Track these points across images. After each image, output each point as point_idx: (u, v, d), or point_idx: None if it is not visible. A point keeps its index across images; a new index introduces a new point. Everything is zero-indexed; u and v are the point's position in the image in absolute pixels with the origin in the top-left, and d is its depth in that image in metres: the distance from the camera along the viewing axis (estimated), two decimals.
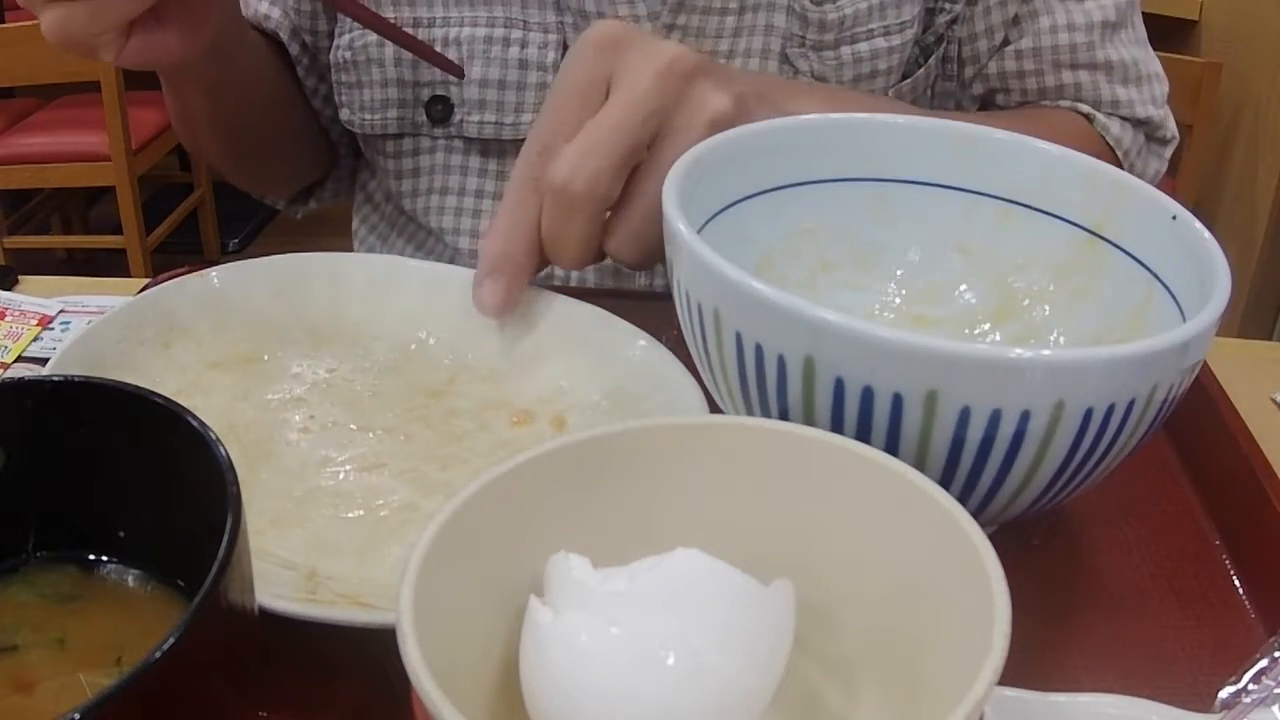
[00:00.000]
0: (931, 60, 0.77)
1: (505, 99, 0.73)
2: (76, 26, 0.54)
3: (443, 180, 0.77)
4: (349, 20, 0.74)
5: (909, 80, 0.76)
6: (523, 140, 0.55)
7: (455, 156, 0.76)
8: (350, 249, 0.87)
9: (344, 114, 0.77)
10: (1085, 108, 0.76)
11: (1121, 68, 0.75)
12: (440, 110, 0.75)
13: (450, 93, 0.74)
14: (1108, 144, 0.76)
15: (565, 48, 0.72)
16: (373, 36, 0.73)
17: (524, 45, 0.72)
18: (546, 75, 0.72)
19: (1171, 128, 0.79)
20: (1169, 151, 0.81)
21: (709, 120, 0.52)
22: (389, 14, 0.73)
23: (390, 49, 0.73)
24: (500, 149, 0.75)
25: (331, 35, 0.77)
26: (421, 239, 0.81)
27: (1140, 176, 0.76)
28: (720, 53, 0.72)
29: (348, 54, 0.75)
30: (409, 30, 0.72)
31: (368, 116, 0.76)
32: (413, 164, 0.78)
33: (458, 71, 0.70)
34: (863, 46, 0.73)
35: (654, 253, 0.53)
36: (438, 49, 0.72)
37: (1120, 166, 0.76)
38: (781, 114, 0.56)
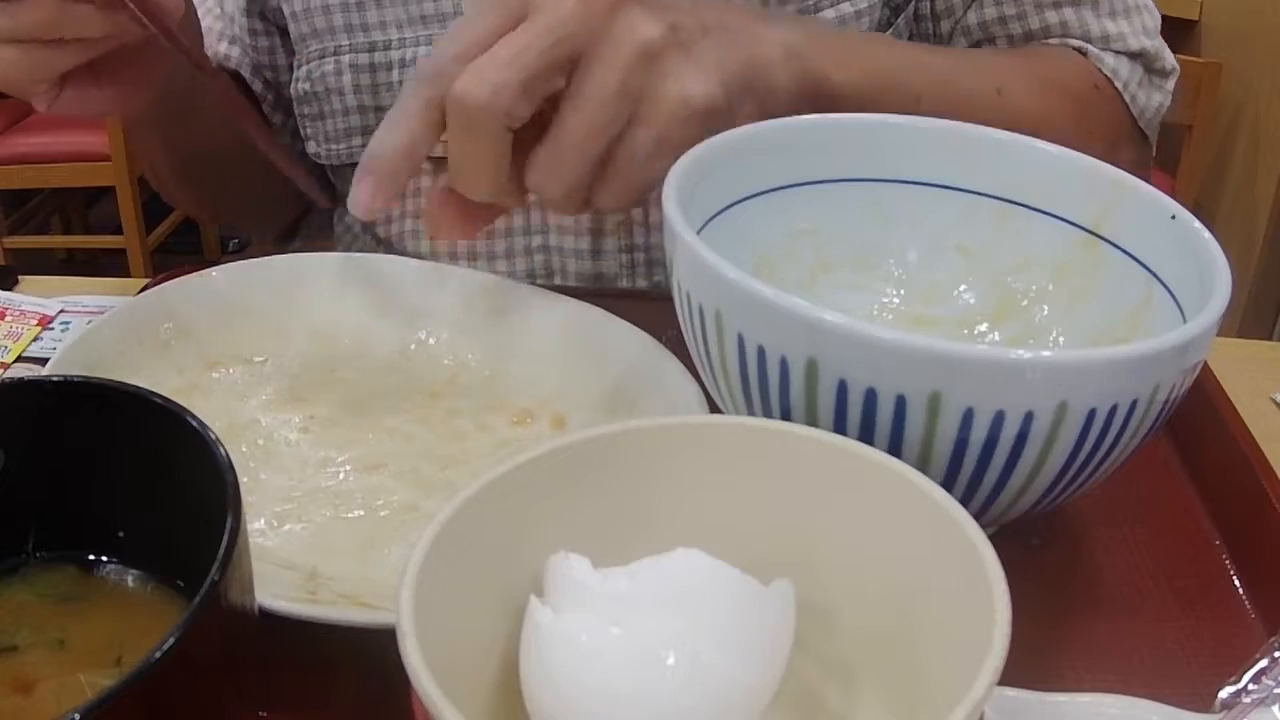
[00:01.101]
0: (901, 20, 0.74)
1: None
2: (13, 71, 0.53)
3: (414, 204, 0.75)
4: (306, 51, 0.73)
5: None
6: None
7: (425, 179, 0.74)
8: None
9: (310, 147, 0.76)
10: (1076, 42, 0.73)
11: (1107, 0, 0.72)
12: None
13: None
14: (1106, 77, 0.73)
15: None
16: (330, 65, 0.72)
17: None
18: None
19: (1169, 58, 0.75)
20: (1171, 83, 0.77)
21: (638, 48, 0.49)
22: (344, 41, 0.72)
23: (348, 76, 0.72)
24: None
25: (293, 69, 0.76)
26: None
27: (1144, 110, 0.73)
28: None
29: (307, 85, 0.73)
30: (376, 52, 0.71)
31: (333, 147, 0.75)
32: None
33: (320, 199, 0.67)
34: (828, 14, 0.70)
35: (577, 192, 0.51)
36: (395, 72, 0.71)
37: (1122, 99, 0.73)
38: (737, 44, 0.53)
